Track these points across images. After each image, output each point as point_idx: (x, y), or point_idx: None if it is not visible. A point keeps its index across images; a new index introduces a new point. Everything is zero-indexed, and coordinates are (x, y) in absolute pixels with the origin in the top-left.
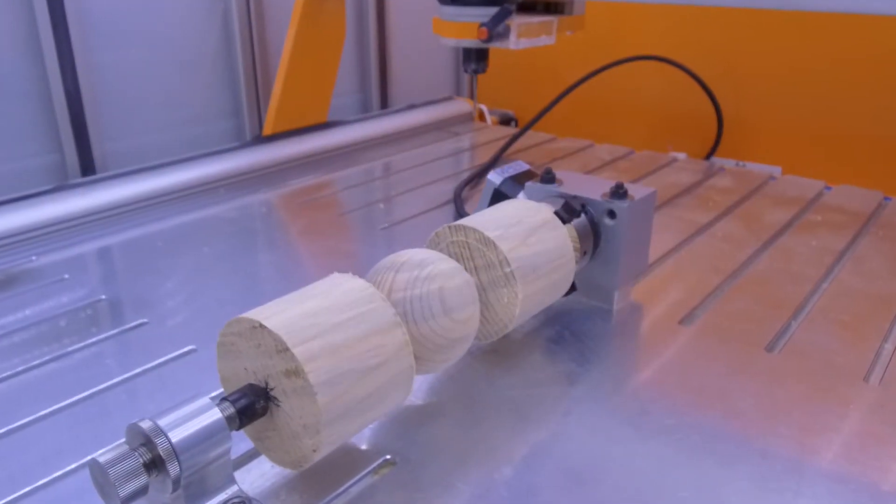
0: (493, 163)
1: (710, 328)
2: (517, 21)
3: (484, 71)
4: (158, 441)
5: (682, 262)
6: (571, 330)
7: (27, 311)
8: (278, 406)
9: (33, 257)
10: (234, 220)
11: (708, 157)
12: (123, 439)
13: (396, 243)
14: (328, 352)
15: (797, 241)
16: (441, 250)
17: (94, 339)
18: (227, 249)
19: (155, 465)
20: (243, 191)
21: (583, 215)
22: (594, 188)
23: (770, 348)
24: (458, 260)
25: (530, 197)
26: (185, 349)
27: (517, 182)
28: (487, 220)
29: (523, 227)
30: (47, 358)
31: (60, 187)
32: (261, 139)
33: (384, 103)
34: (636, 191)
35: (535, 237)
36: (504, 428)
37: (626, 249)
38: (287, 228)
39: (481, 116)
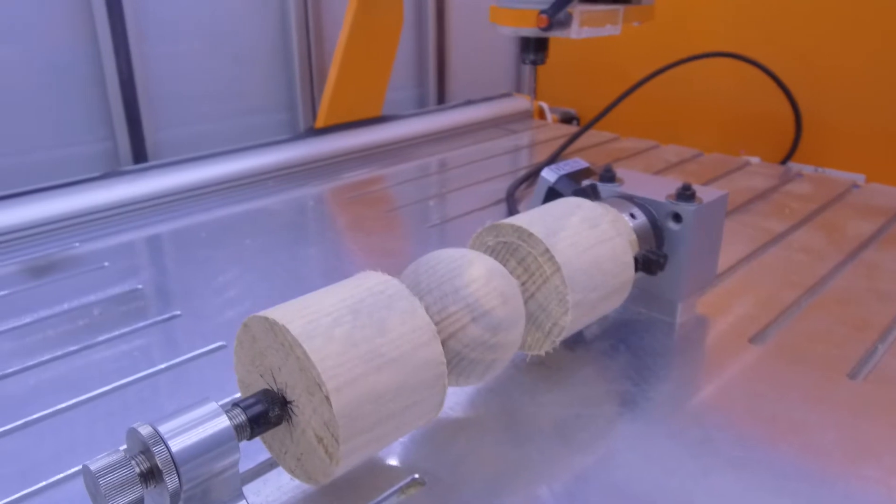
0: (551, 161)
1: (784, 349)
2: (580, 8)
3: (543, 62)
4: (157, 450)
5: (753, 274)
6: (628, 343)
7: (62, 299)
8: (295, 415)
9: (77, 243)
10: (279, 213)
11: (784, 161)
12: (125, 444)
13: (443, 241)
14: (349, 357)
15: (884, 255)
16: (483, 251)
17: (124, 331)
18: (269, 243)
19: (153, 475)
20: (292, 183)
21: (643, 216)
22: (658, 189)
23: (853, 375)
24: (501, 262)
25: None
26: (215, 345)
27: (573, 180)
28: (534, 218)
29: (575, 228)
30: (74, 348)
31: (109, 174)
32: (313, 132)
33: (441, 99)
34: (705, 193)
35: (588, 238)
36: (546, 450)
37: (692, 257)
38: (332, 223)
39: (541, 114)
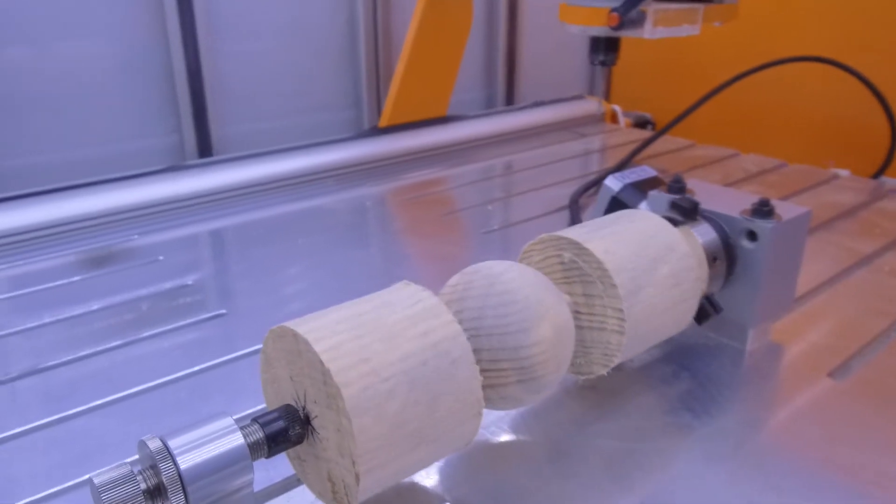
0: (620, 168)
1: (868, 386)
2: (654, 7)
3: (613, 63)
4: (164, 466)
5: (837, 300)
6: (692, 370)
7: (113, 291)
8: (317, 433)
9: (135, 236)
10: (336, 213)
11: (876, 175)
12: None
13: (497, 249)
14: (392, 440)
15: None
16: (534, 264)
17: (168, 328)
18: (321, 242)
19: (159, 493)
20: (352, 183)
21: (713, 232)
22: (733, 203)
23: None
24: (553, 277)
25: (653, 209)
26: (256, 347)
27: (639, 190)
28: (590, 231)
29: (660, 285)
30: (117, 343)
31: (171, 168)
32: (376, 131)
33: (510, 100)
34: (785, 209)
35: (667, 300)
36: (592, 486)
37: (767, 279)
38: (387, 225)
39: (614, 118)
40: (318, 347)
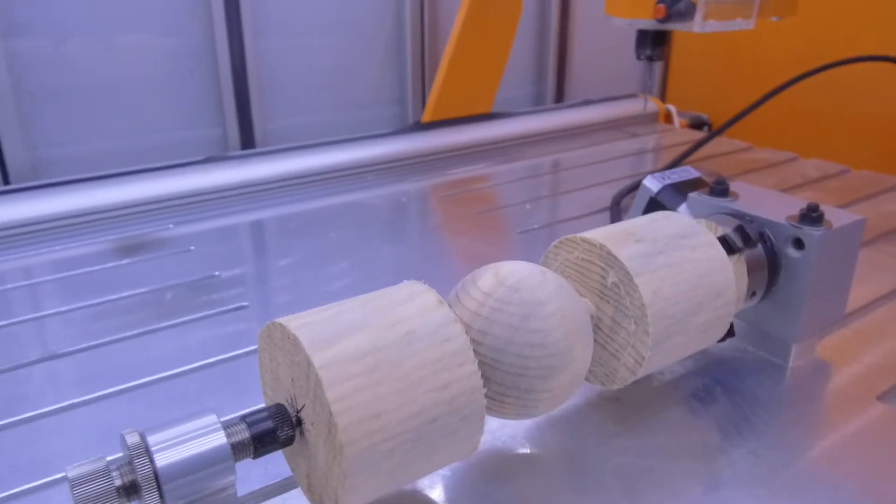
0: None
1: None
2: None
3: (660, 59)
4: (139, 463)
5: (892, 317)
6: (725, 386)
7: (141, 280)
8: (309, 439)
9: (171, 225)
10: (371, 208)
11: None
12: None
13: (530, 249)
14: (380, 485)
15: None
16: (557, 267)
17: (188, 318)
18: (352, 237)
19: (134, 490)
20: (391, 178)
21: (757, 240)
22: (779, 208)
23: None
24: (576, 281)
25: (693, 211)
26: None
27: (679, 191)
28: (618, 233)
29: (687, 283)
30: (137, 332)
31: (210, 159)
32: (418, 126)
33: (560, 98)
34: (836, 216)
35: (680, 261)
36: None
37: (813, 291)
38: (422, 222)
39: (668, 118)
40: (329, 395)
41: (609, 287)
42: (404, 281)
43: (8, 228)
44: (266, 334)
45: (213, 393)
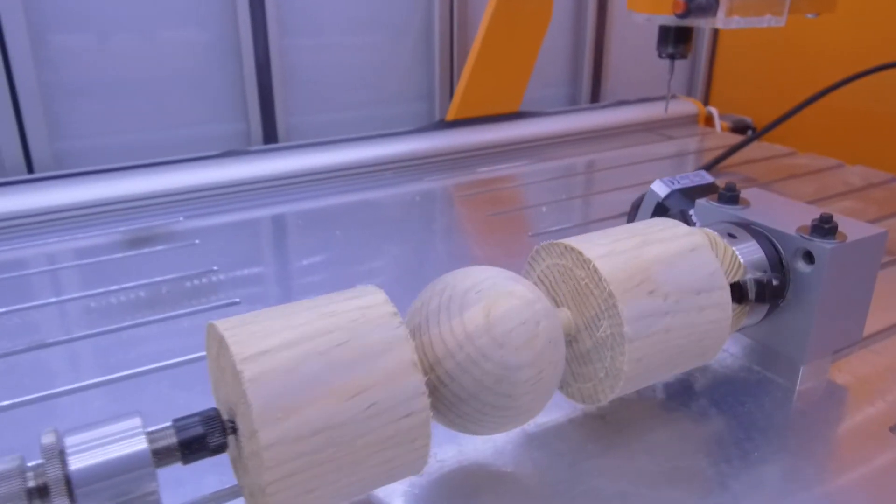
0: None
1: None
2: None
3: (683, 57)
4: (50, 465)
5: None
6: (723, 408)
7: (141, 272)
8: (243, 448)
9: (181, 218)
10: (382, 206)
11: None
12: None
13: None
14: (310, 460)
15: None
16: (538, 274)
17: (177, 313)
18: (358, 237)
19: (47, 493)
20: (409, 177)
21: (762, 251)
22: (791, 218)
23: None
24: (553, 289)
25: (700, 219)
26: None
27: (688, 197)
28: (632, 273)
29: (675, 306)
30: (126, 324)
31: (227, 153)
32: (442, 124)
33: (595, 98)
34: (853, 229)
35: (681, 325)
36: None
37: (824, 309)
38: (431, 222)
39: (709, 120)
40: (266, 477)
41: (594, 315)
42: (383, 309)
43: (28, 216)
44: (212, 334)
45: (187, 390)
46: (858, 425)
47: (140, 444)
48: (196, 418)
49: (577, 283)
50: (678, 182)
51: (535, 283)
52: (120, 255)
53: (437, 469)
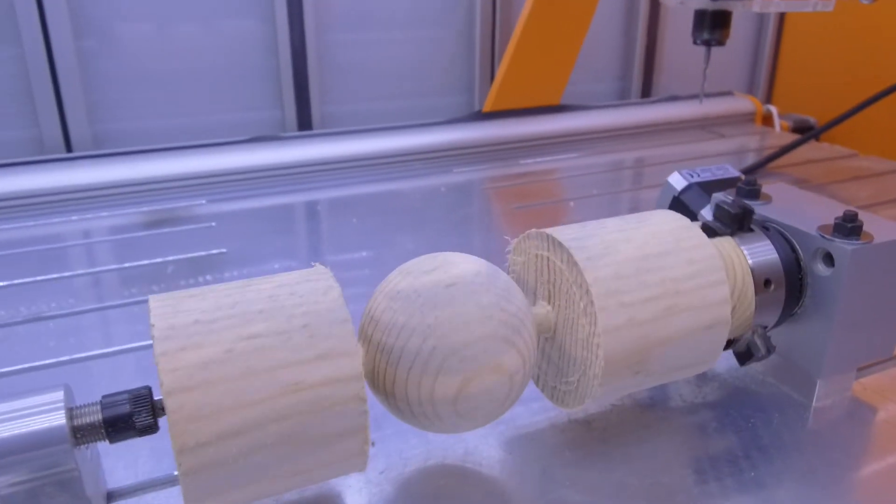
0: (745, 173)
1: None
2: None
3: (721, 43)
4: None
5: None
6: (725, 422)
7: (152, 252)
8: None
9: (203, 201)
10: (404, 196)
11: None
12: None
13: None
14: (210, 365)
15: None
16: (521, 266)
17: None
18: (372, 226)
19: None
20: (437, 168)
21: (776, 252)
22: (815, 215)
23: None
24: (536, 279)
25: (715, 214)
26: None
27: (707, 192)
28: (588, 230)
29: (644, 250)
30: (120, 302)
31: (255, 139)
32: (477, 115)
33: (647, 93)
34: (882, 229)
35: (656, 265)
36: None
37: (845, 318)
38: (451, 214)
39: (767, 119)
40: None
41: (577, 328)
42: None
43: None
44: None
45: None
46: (879, 453)
47: (57, 420)
48: (125, 396)
49: (559, 276)
50: (698, 175)
51: (519, 271)
52: (136, 234)
53: (401, 467)
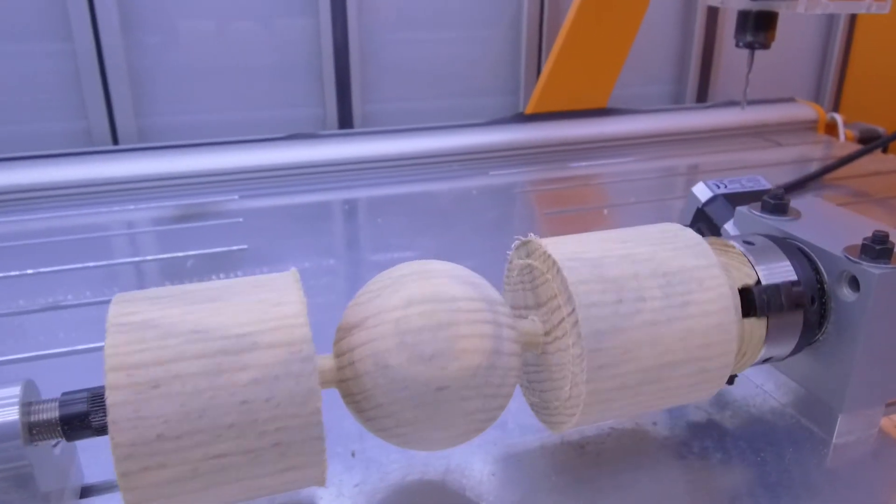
0: (796, 184)
1: None
2: None
3: (765, 46)
4: None
5: None
6: (733, 453)
7: (176, 245)
8: None
9: (236, 197)
10: (435, 199)
11: None
12: None
13: None
14: (173, 483)
15: None
16: (514, 275)
17: None
18: (397, 227)
19: None
20: (473, 170)
21: (795, 272)
22: (845, 234)
23: None
24: (526, 292)
25: (741, 229)
26: None
27: (733, 204)
28: (582, 240)
29: (638, 264)
30: None
31: (292, 136)
32: (519, 117)
33: (702, 98)
34: None
35: (649, 276)
36: None
37: (871, 347)
38: (477, 218)
39: (831, 128)
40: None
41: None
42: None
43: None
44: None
45: None
46: None
47: (9, 416)
48: (83, 394)
49: (547, 286)
50: (725, 186)
51: (513, 285)
52: (165, 227)
53: (377, 481)
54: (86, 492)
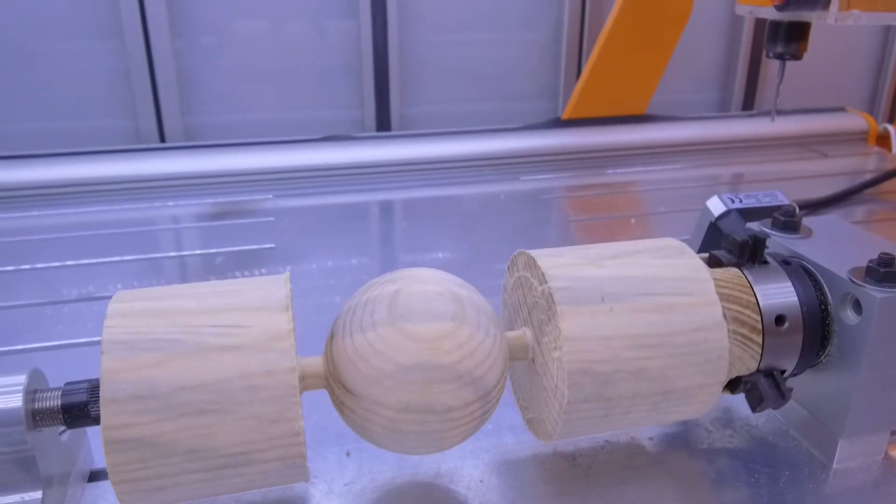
0: (836, 198)
1: None
2: None
3: (795, 57)
4: None
5: None
6: (727, 473)
7: (206, 242)
8: None
9: (270, 196)
10: (461, 203)
11: None
12: None
13: None
14: (143, 373)
15: None
16: (510, 289)
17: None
18: (419, 230)
19: None
20: (505, 175)
21: (796, 294)
22: (855, 255)
23: None
24: (520, 306)
25: (723, 243)
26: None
27: (746, 219)
28: (573, 253)
29: (632, 280)
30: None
31: (328, 138)
32: (555, 122)
33: (748, 106)
34: None
35: (637, 283)
36: None
37: (873, 372)
38: (499, 224)
39: (883, 140)
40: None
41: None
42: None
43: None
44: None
45: None
46: None
47: (13, 403)
48: (84, 385)
49: (535, 296)
50: (740, 200)
51: (508, 296)
52: (199, 224)
53: (367, 481)
54: (94, 476)
